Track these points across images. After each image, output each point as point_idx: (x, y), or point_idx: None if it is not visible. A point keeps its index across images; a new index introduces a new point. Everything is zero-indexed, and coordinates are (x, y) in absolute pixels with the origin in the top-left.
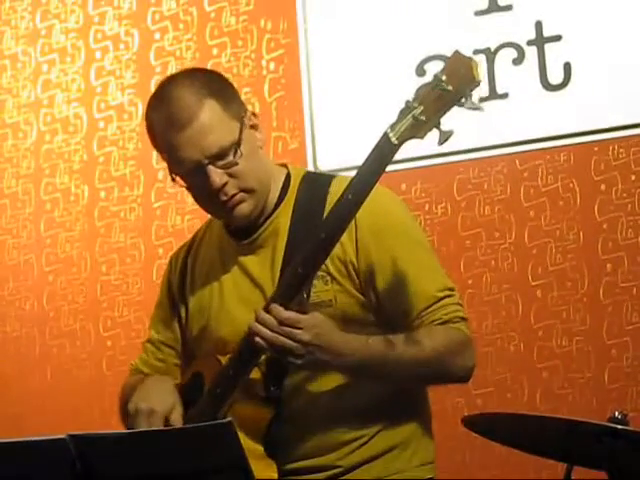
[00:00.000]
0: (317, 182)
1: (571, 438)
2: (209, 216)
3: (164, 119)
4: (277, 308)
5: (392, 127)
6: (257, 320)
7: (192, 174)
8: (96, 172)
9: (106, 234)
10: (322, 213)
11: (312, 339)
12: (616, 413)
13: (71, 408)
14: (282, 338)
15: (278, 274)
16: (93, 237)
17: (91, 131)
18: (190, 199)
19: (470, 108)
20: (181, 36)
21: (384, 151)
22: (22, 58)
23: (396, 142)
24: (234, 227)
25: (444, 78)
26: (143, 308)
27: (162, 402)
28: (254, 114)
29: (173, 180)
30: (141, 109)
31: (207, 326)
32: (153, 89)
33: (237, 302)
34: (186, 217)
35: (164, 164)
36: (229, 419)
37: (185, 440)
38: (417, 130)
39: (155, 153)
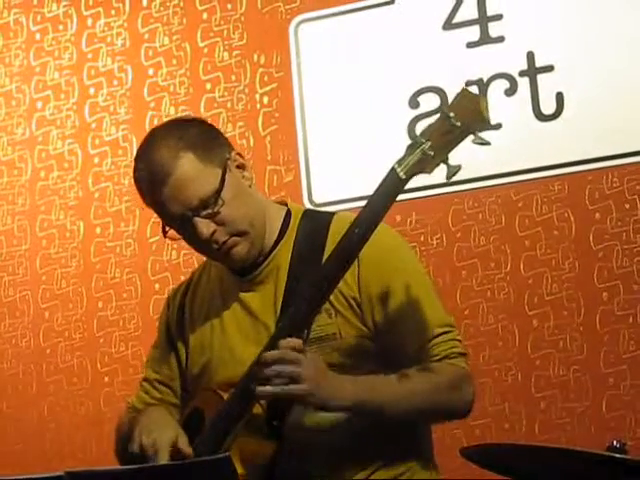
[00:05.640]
0: (317, 219)
1: (570, 468)
2: None
3: (146, 178)
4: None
5: (400, 162)
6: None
7: (182, 227)
8: (91, 208)
9: (102, 270)
10: (322, 250)
11: (314, 372)
12: (615, 442)
13: (68, 445)
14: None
15: (280, 310)
16: (89, 273)
17: (86, 167)
18: None
19: (478, 143)
20: (174, 71)
21: (392, 186)
22: (16, 95)
23: (404, 177)
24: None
25: (452, 114)
26: (140, 343)
27: (164, 432)
28: (239, 154)
29: (165, 235)
30: (135, 145)
31: (209, 364)
32: (147, 124)
33: (239, 339)
34: (182, 252)
35: None
36: (227, 453)
37: (183, 474)
38: (425, 165)
39: None
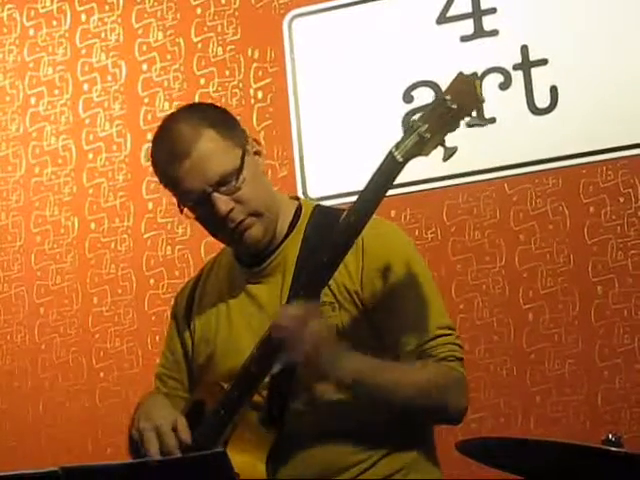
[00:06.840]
0: (327, 215)
1: (566, 462)
2: (201, 247)
3: (165, 154)
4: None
5: (397, 146)
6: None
7: (199, 204)
8: (86, 204)
9: (97, 265)
10: None
11: (320, 331)
12: (610, 435)
13: (64, 440)
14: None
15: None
16: (84, 269)
17: (80, 163)
18: (180, 229)
19: (474, 125)
20: (168, 67)
21: (389, 169)
22: (10, 91)
23: (401, 160)
24: (245, 254)
25: (448, 97)
26: (135, 339)
27: (163, 415)
28: (256, 141)
29: (181, 212)
30: (130, 140)
31: (214, 355)
32: (141, 120)
33: (245, 331)
34: (177, 247)
35: (154, 195)
36: (222, 449)
37: (179, 470)
38: (422, 147)
39: (144, 184)
